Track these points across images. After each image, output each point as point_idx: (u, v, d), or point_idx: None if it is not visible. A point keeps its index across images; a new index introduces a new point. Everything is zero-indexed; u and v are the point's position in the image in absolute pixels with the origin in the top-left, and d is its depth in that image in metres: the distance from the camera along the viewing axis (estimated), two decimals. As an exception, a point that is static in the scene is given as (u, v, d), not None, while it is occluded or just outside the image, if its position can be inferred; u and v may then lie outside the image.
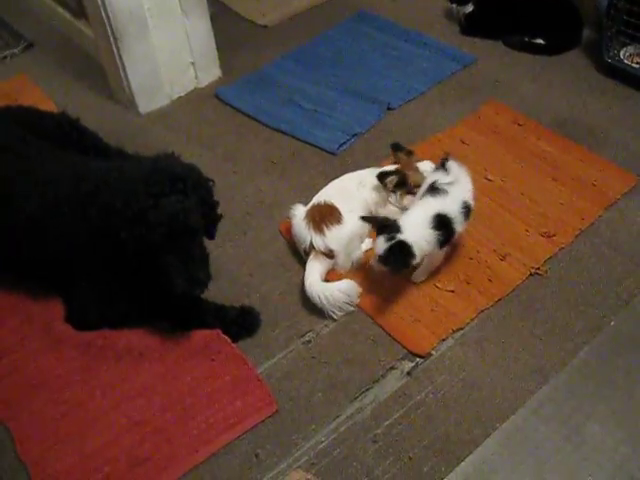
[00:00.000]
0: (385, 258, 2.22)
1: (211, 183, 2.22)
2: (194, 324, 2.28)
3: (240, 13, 3.89)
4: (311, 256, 2.39)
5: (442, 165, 2.42)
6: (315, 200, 2.50)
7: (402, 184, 2.52)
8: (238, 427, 2.04)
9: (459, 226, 2.31)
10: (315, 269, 2.36)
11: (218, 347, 2.21)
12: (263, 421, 2.06)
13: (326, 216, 2.41)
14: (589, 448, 1.96)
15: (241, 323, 2.29)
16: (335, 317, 2.31)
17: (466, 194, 2.36)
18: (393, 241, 2.20)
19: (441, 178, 2.36)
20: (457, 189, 2.34)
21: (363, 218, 2.39)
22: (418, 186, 2.46)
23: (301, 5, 3.90)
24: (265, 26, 3.78)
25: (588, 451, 1.96)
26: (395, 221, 2.27)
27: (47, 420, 2.08)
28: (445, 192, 2.31)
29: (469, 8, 3.51)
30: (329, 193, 2.51)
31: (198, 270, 2.11)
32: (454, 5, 3.56)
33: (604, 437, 1.98)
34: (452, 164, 2.41)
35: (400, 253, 2.21)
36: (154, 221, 2.02)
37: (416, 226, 2.25)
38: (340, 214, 2.42)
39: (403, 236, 2.21)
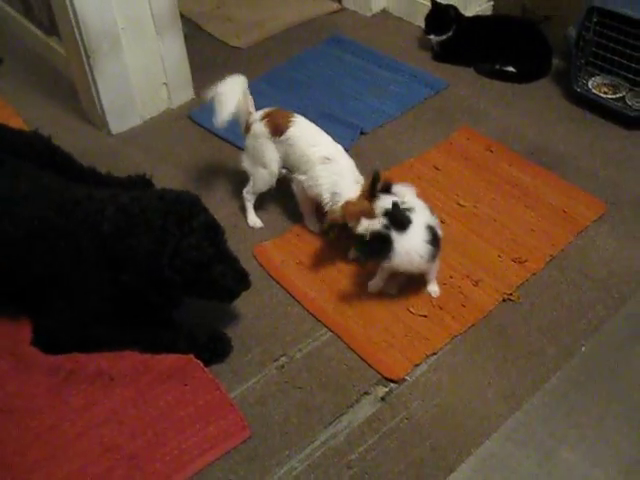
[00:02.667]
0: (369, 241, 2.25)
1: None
2: (165, 348, 2.25)
3: (214, 34, 3.89)
4: None
5: (386, 191, 2.44)
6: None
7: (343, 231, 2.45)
8: (211, 453, 2.01)
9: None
10: None
11: (191, 372, 2.19)
12: (236, 447, 2.03)
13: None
14: (562, 473, 1.97)
15: (212, 349, 2.27)
16: None
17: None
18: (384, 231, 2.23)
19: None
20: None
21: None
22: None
23: (275, 27, 3.92)
24: (239, 48, 3.79)
25: (561, 476, 1.97)
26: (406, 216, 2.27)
27: (15, 447, 2.03)
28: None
29: (444, 37, 3.55)
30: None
31: (239, 266, 2.24)
32: (431, 36, 3.59)
33: (576, 462, 1.99)
34: (398, 188, 2.46)
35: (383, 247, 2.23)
36: (198, 242, 2.10)
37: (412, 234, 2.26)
38: None
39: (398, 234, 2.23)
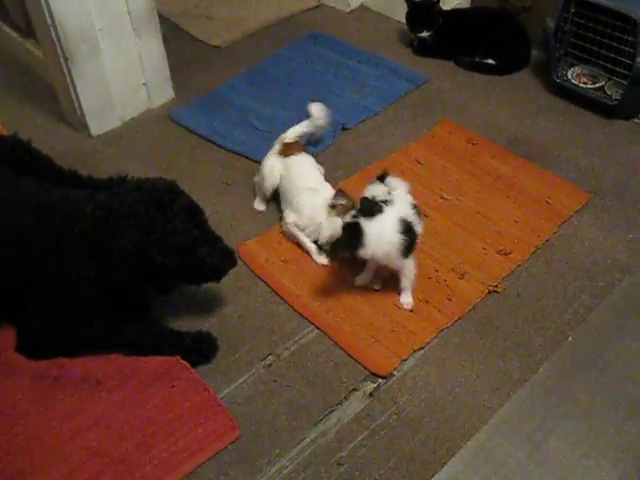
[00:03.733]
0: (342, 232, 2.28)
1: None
2: (151, 351, 2.23)
3: (193, 34, 3.87)
4: None
5: (380, 180, 2.44)
6: None
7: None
8: (201, 454, 2.00)
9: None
10: None
11: (178, 373, 2.17)
12: (226, 447, 2.02)
13: None
14: (552, 463, 1.98)
15: (198, 349, 2.25)
16: None
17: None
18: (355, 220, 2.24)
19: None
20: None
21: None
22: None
23: (253, 25, 3.91)
24: (218, 46, 3.77)
25: (551, 466, 1.97)
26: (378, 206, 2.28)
27: (1, 455, 2.00)
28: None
29: (424, 33, 3.55)
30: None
31: (224, 244, 2.26)
32: (423, 33, 3.58)
33: (566, 452, 2.00)
34: (391, 180, 2.44)
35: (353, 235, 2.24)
36: (182, 226, 2.11)
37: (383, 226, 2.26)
38: None
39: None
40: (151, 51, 3.22)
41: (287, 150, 2.75)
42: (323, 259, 2.55)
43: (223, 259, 2.25)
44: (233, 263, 2.28)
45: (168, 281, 2.18)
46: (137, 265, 2.08)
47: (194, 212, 2.19)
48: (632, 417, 2.07)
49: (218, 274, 2.27)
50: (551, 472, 1.96)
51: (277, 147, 2.79)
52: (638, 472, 1.91)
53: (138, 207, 2.10)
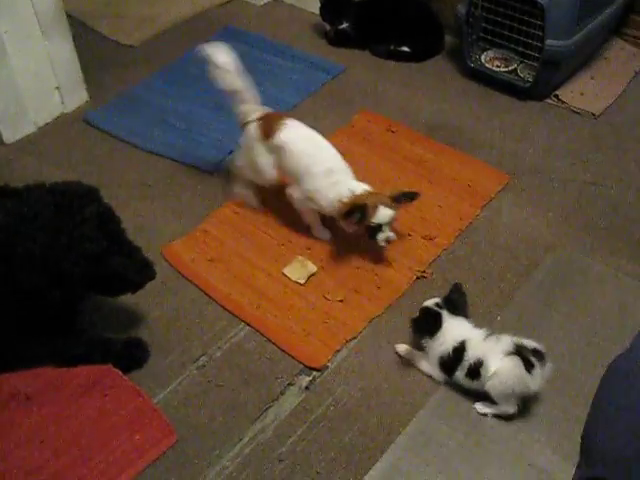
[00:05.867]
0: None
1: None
2: (80, 361, 2.18)
3: (104, 33, 3.78)
4: None
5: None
6: None
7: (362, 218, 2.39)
8: (139, 462, 1.97)
9: None
10: None
11: (110, 382, 2.13)
12: (165, 452, 2.00)
13: None
14: (489, 440, 2.02)
15: (129, 355, 2.22)
16: None
17: None
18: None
19: None
20: None
21: None
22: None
23: (166, 23, 3.85)
24: (131, 45, 3.69)
25: (488, 443, 2.02)
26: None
27: None
28: None
29: (342, 25, 3.57)
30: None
31: (141, 256, 2.16)
32: (344, 25, 3.60)
33: (502, 428, 2.05)
34: None
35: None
36: (90, 233, 2.01)
37: None
38: None
39: None
40: (62, 53, 3.14)
41: (268, 128, 2.52)
42: (326, 234, 2.55)
43: (138, 271, 2.16)
44: (151, 276, 2.20)
45: (76, 289, 2.10)
46: (43, 269, 2.00)
47: (108, 219, 2.10)
48: (560, 389, 2.12)
49: (134, 287, 2.19)
50: (488, 449, 2.00)
51: (255, 131, 2.54)
52: (568, 440, 1.96)
53: (47, 210, 2.02)
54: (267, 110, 2.60)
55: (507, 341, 2.04)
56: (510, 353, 1.99)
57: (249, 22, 3.84)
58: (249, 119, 2.57)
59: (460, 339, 2.09)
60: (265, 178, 2.59)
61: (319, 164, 2.45)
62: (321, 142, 2.52)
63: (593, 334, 2.28)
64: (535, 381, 2.00)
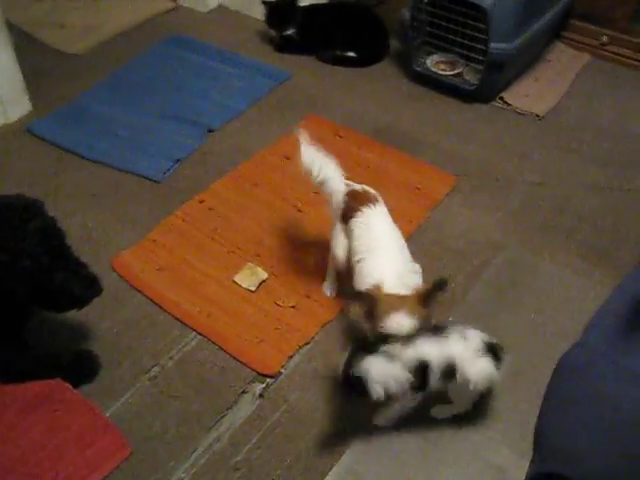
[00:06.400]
0: None
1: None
2: (28, 376, 2.13)
3: (47, 42, 3.72)
4: None
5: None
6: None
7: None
8: (93, 477, 1.93)
9: None
10: None
11: (60, 396, 2.09)
12: (118, 466, 1.96)
13: None
14: (445, 440, 2.03)
15: (78, 368, 2.17)
16: None
17: None
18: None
19: None
20: None
21: None
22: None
23: (110, 31, 3.80)
24: (75, 55, 3.64)
25: (444, 443, 2.03)
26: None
27: None
28: None
29: (288, 31, 3.57)
30: None
31: (87, 272, 2.06)
32: (290, 31, 3.60)
33: (457, 428, 2.06)
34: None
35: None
36: (32, 249, 1.92)
37: None
38: None
39: None
40: (2, 63, 3.07)
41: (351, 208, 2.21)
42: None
43: (84, 287, 2.07)
44: (97, 292, 2.11)
45: (19, 306, 2.05)
46: None
47: (51, 235, 2.02)
48: (513, 387, 2.13)
49: (80, 303, 2.11)
50: (445, 450, 2.01)
51: (338, 208, 2.25)
52: (523, 437, 1.97)
53: None
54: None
55: (476, 339, 1.95)
56: (483, 353, 1.93)
57: (195, 30, 3.81)
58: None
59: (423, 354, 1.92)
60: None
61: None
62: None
63: (543, 331, 2.31)
64: (499, 376, 1.97)
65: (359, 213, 2.18)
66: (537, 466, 1.34)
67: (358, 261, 2.12)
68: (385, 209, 2.24)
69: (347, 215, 2.21)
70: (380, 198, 2.25)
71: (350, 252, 2.18)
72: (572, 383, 1.36)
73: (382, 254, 2.10)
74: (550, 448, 1.31)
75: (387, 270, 2.04)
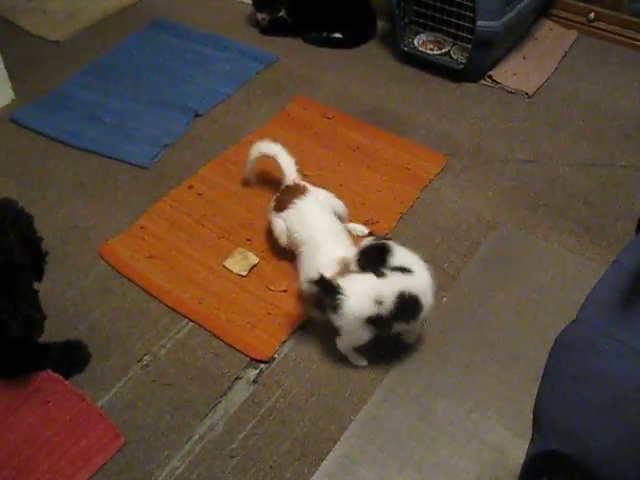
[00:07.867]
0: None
1: (30, 219, 2.04)
2: (18, 368, 2.10)
3: (27, 29, 3.66)
4: None
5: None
6: None
7: None
8: (86, 469, 1.90)
9: None
10: None
11: (51, 387, 2.06)
12: (112, 457, 1.94)
13: None
14: (442, 422, 2.02)
15: (69, 359, 2.14)
16: None
17: None
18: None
19: None
20: None
21: None
22: None
23: (92, 17, 3.74)
24: (57, 41, 3.58)
25: (441, 425, 2.01)
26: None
27: None
28: None
29: (274, 13, 3.52)
30: None
31: (32, 310, 1.94)
32: (263, 15, 3.55)
33: (454, 409, 2.05)
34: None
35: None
36: None
37: None
38: None
39: None
40: (-18, 51, 3.02)
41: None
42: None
43: (21, 323, 1.93)
44: (33, 331, 1.97)
45: None
46: None
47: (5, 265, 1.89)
48: (509, 367, 2.13)
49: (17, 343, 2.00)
50: (442, 431, 2.00)
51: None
52: (519, 417, 1.96)
53: None
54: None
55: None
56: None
57: (179, 13, 3.76)
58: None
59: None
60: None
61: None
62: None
63: (539, 309, 2.29)
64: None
65: (291, 205, 2.35)
66: (537, 445, 1.33)
67: (298, 254, 2.29)
68: (317, 198, 2.38)
69: (280, 207, 2.39)
70: (311, 189, 2.41)
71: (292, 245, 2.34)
72: (571, 360, 1.34)
73: (318, 245, 2.23)
74: (550, 427, 1.30)
75: (325, 260, 2.17)
